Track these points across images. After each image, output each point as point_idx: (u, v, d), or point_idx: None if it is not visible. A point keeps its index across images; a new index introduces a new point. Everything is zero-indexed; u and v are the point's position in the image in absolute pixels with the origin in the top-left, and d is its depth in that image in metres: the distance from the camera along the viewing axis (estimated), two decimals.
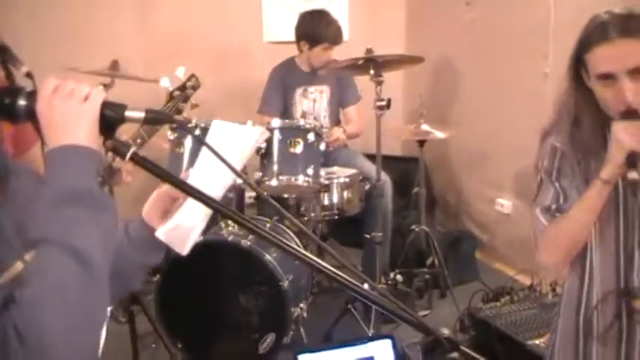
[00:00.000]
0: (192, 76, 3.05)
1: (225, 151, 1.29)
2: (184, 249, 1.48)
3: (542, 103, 3.85)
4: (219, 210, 1.20)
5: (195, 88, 3.03)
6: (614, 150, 1.71)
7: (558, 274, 2.00)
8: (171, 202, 1.50)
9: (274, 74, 4.61)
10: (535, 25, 4.28)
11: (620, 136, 1.69)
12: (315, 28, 4.35)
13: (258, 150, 3.47)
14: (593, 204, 1.79)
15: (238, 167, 1.43)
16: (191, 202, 1.44)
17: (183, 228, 1.46)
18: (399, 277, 4.02)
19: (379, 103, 3.54)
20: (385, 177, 4.09)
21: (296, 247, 1.20)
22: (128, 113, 1.21)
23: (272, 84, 4.59)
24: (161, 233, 1.47)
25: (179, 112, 3.01)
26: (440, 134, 4.12)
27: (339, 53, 4.38)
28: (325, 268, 1.17)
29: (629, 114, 1.70)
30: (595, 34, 1.73)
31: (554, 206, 1.91)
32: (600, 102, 1.78)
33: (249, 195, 4.32)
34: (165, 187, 1.49)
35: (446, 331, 1.19)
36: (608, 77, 1.72)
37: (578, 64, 1.81)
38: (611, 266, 1.89)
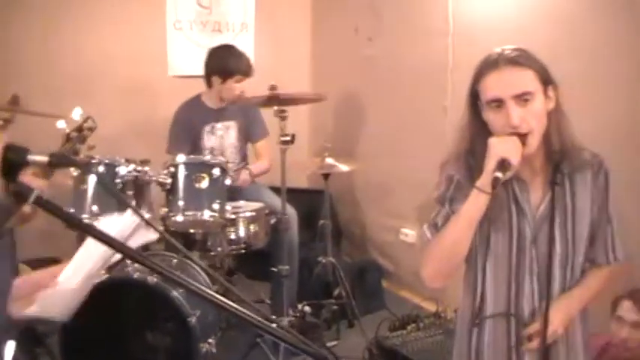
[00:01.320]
0: (89, 117, 3.02)
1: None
2: (65, 313, 1.44)
3: (442, 136, 4.00)
4: (122, 252, 1.21)
5: (92, 129, 3.00)
6: (488, 159, 1.83)
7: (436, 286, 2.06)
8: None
9: (180, 113, 4.53)
10: (434, 60, 4.43)
11: (492, 146, 1.82)
12: (226, 62, 4.34)
13: (164, 186, 3.47)
14: (470, 213, 1.88)
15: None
16: (71, 267, 1.41)
17: (63, 291, 1.42)
18: (307, 308, 4.07)
19: (283, 139, 3.60)
20: (291, 210, 4.14)
21: (198, 285, 1.21)
22: (31, 157, 1.22)
23: (178, 123, 4.51)
24: (32, 310, 1.42)
25: (76, 153, 2.98)
26: (344, 167, 4.21)
27: (245, 88, 4.39)
28: (229, 305, 1.18)
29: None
30: (486, 65, 1.87)
31: (440, 223, 2.00)
32: (492, 129, 1.89)
33: None
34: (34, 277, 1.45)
35: None
36: (496, 103, 1.84)
37: (474, 96, 1.92)
38: (503, 291, 1.98)
